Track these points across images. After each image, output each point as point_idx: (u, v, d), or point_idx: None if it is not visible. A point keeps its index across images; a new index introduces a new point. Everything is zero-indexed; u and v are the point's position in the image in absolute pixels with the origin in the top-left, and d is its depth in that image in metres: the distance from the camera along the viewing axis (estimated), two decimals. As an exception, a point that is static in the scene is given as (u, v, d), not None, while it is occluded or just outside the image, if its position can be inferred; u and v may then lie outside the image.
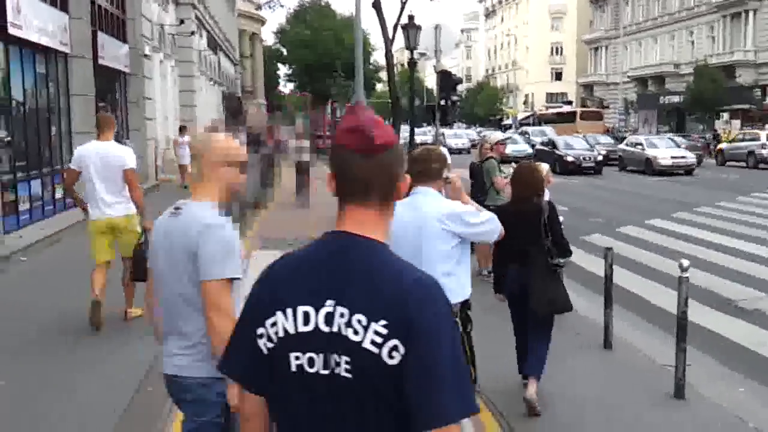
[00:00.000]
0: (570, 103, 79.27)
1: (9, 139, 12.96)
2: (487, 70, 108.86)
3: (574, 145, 31.97)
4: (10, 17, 12.37)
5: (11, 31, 12.51)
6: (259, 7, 68.30)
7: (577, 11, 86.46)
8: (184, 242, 2.84)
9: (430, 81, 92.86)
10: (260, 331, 1.67)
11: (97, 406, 5.34)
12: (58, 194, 14.65)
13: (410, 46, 15.16)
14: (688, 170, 29.58)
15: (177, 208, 2.96)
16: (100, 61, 17.67)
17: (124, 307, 7.46)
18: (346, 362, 1.58)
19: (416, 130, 25.26)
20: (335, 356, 1.59)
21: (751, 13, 53.30)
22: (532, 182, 5.68)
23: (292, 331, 1.63)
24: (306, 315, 1.62)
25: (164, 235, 2.95)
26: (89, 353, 6.54)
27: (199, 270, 2.79)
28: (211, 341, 2.77)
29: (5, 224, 12.07)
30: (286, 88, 75.34)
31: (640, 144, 32.25)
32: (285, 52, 50.06)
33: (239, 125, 21.44)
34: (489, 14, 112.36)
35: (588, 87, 79.74)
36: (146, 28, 21.69)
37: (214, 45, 39.63)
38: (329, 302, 1.61)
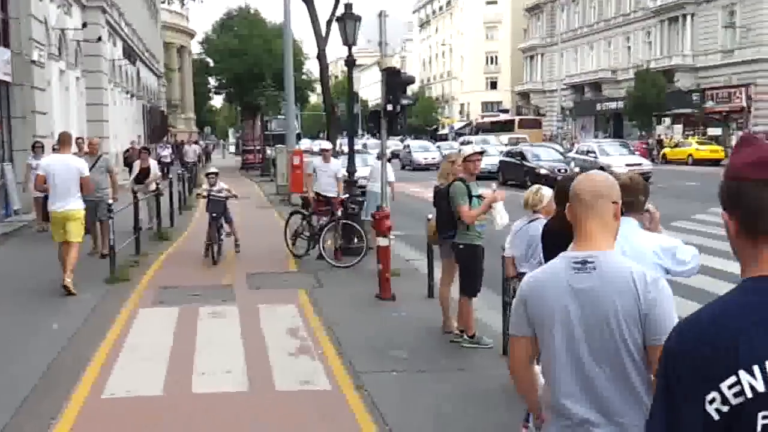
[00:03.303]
0: (506, 111, 78.68)
1: None
2: (422, 81, 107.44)
3: (543, 155, 29.49)
4: None
5: None
6: (186, 18, 65.23)
7: (511, 20, 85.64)
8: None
9: (366, 92, 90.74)
10: (711, 396, 1.54)
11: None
12: None
13: (348, 42, 12.63)
14: (645, 178, 27.80)
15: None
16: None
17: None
18: None
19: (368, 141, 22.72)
20: None
21: (689, 18, 52.73)
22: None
23: (761, 389, 1.50)
24: None
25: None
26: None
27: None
28: None
29: None
30: (214, 100, 72.38)
31: (593, 151, 30.57)
32: (212, 63, 47.05)
33: (162, 140, 18.58)
34: (423, 24, 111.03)
35: (524, 95, 78.97)
36: (38, 32, 18.36)
37: (131, 54, 36.38)
38: None
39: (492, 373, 6.65)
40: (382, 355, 7.21)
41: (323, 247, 11.92)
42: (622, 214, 2.94)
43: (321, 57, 17.73)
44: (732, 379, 1.52)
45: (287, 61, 21.07)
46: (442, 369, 6.87)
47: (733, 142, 42.22)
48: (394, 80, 10.50)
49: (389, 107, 10.38)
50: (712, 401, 1.54)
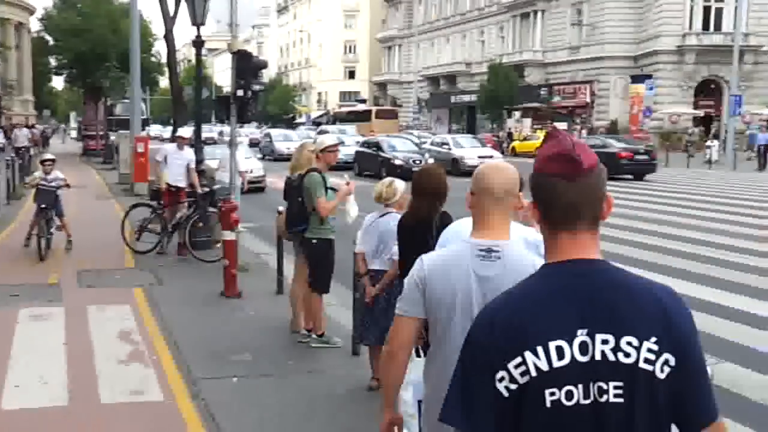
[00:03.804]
0: (364, 101, 78.95)
1: None
2: (279, 68, 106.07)
3: (399, 146, 29.20)
4: None
5: None
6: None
7: (370, 9, 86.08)
8: None
9: (221, 78, 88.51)
10: (500, 374, 1.65)
11: None
12: None
13: (196, 21, 11.81)
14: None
15: None
16: None
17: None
18: (616, 387, 1.61)
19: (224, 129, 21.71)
20: (600, 384, 1.61)
21: (539, 14, 54.77)
22: None
23: (545, 368, 1.62)
24: (560, 350, 1.62)
25: None
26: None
27: None
28: None
29: None
30: (55, 82, 68.11)
31: (447, 143, 30.95)
32: (52, 41, 43.96)
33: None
34: (281, 10, 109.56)
35: (381, 86, 79.61)
36: None
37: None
38: (581, 332, 1.63)
39: (342, 374, 6.33)
40: (223, 359, 6.66)
41: (167, 243, 11.17)
42: None
43: (168, 38, 16.73)
44: (518, 359, 1.63)
45: (133, 41, 19.78)
46: (289, 372, 6.43)
47: (576, 137, 44.20)
48: (245, 64, 9.92)
49: (239, 93, 9.78)
50: (501, 380, 1.64)
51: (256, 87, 9.93)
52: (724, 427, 1.68)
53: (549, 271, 1.73)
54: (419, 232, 4.56)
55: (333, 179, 7.13)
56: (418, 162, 26.43)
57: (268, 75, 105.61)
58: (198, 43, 12.39)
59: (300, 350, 6.95)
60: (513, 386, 1.64)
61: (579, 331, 1.62)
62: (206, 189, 11.67)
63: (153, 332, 7.45)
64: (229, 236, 8.94)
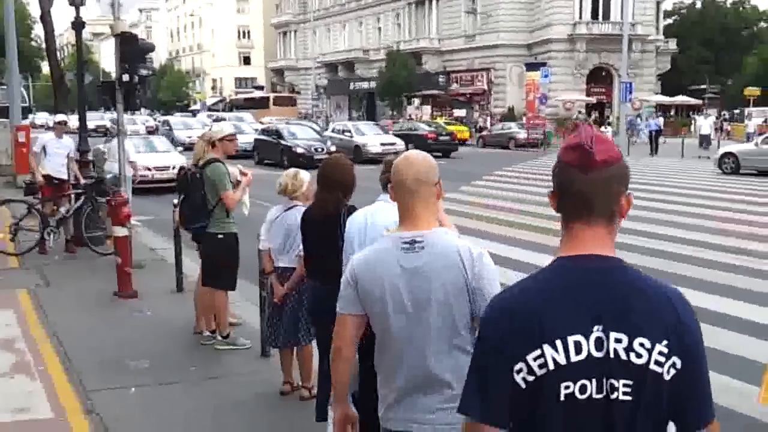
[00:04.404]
0: (261, 88, 77.70)
1: None
2: (170, 53, 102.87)
3: (300, 134, 28.50)
4: None
5: None
6: None
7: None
8: None
9: (109, 64, 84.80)
10: (518, 366, 1.67)
11: None
12: None
13: (75, 2, 10.98)
14: (400, 157, 28.46)
15: None
16: None
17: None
18: (625, 385, 1.65)
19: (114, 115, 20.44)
20: (612, 381, 1.65)
21: (434, 2, 55.11)
22: None
23: (563, 362, 1.65)
24: (577, 344, 1.65)
25: None
26: None
27: None
28: None
29: None
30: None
31: (348, 131, 30.70)
32: None
33: None
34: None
35: (278, 72, 78.50)
36: None
37: None
38: (596, 328, 1.66)
39: (251, 378, 5.94)
40: (119, 367, 6.14)
41: (54, 239, 10.39)
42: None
43: (45, 19, 15.63)
44: (537, 351, 1.66)
45: (9, 23, 18.51)
46: (192, 378, 5.98)
47: (480, 123, 44.98)
48: (130, 47, 9.26)
49: (125, 78, 9.13)
50: (519, 371, 1.67)
51: (143, 72, 9.29)
52: (718, 427, 1.74)
53: (564, 263, 1.75)
54: (326, 227, 4.27)
55: (231, 169, 6.71)
56: (320, 150, 26.04)
57: (158, 60, 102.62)
58: (77, 24, 11.57)
59: (204, 354, 6.50)
60: (530, 378, 1.67)
61: (595, 327, 1.66)
62: (92, 179, 10.87)
63: (40, 339, 6.82)
64: (120, 232, 8.35)
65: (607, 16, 48.26)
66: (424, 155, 2.76)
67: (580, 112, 44.05)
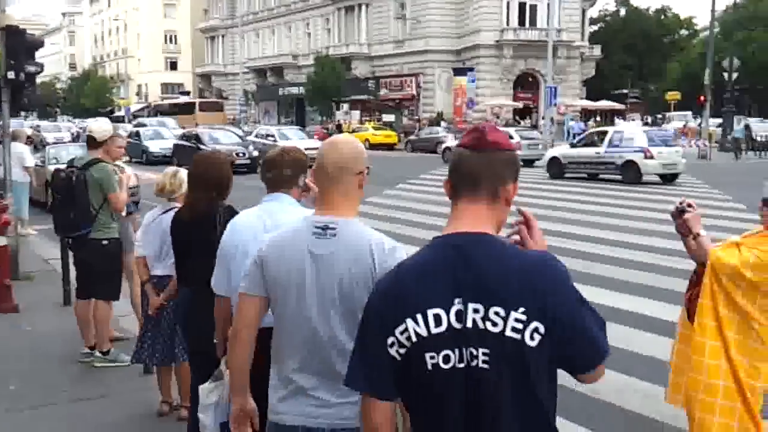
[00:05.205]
0: (188, 93, 76.24)
1: None
2: (94, 58, 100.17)
3: (222, 139, 27.65)
4: None
5: None
6: None
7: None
8: None
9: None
10: (390, 340, 1.80)
11: None
12: None
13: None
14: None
15: None
16: None
17: None
18: (484, 353, 1.74)
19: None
20: (471, 349, 1.75)
21: (363, 7, 54.90)
22: None
23: (424, 334, 1.77)
24: (437, 317, 1.76)
25: None
26: None
27: None
28: None
29: None
30: None
31: (272, 135, 30.15)
32: None
33: None
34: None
35: (206, 77, 77.18)
36: None
37: None
38: (457, 300, 1.76)
39: (130, 397, 5.44)
40: (-17, 389, 5.52)
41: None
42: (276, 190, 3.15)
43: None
44: (402, 326, 1.80)
45: None
46: (67, 400, 5.42)
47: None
48: (17, 41, 8.58)
49: (10, 75, 8.47)
50: (392, 345, 1.82)
51: (32, 69, 8.63)
52: (603, 370, 1.83)
53: (436, 242, 1.85)
54: (198, 230, 3.82)
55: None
56: (241, 155, 25.35)
57: (81, 66, 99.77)
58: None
59: (81, 372, 5.94)
60: (402, 350, 1.80)
61: (456, 300, 1.76)
62: None
63: None
64: None
65: (533, 23, 48.83)
66: (352, 140, 2.64)
67: (497, 116, 44.38)
